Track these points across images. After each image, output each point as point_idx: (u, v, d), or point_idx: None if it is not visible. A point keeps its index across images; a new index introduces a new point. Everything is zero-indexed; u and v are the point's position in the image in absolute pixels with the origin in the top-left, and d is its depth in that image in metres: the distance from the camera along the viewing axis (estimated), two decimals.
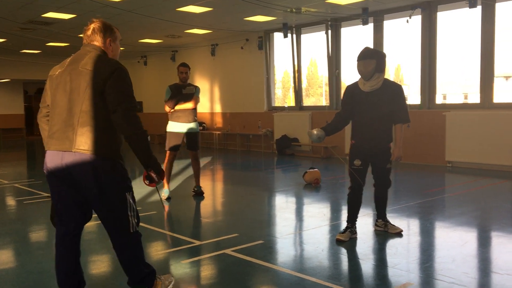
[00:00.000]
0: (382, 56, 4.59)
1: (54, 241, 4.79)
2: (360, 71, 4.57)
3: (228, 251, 4.31)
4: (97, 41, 2.92)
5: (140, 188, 7.46)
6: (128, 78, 2.81)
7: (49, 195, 6.93)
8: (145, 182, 2.96)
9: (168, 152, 6.83)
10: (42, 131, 3.03)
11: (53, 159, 2.76)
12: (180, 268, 3.93)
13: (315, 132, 4.68)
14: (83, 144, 2.69)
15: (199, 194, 7.08)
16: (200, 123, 15.60)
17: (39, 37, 13.75)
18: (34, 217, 5.93)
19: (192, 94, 6.84)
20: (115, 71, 2.74)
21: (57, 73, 2.88)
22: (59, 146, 2.74)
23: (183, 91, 6.80)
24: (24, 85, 21.74)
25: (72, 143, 2.70)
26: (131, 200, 2.88)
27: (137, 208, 3.01)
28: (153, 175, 2.88)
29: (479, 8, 9.44)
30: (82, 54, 2.87)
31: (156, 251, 4.46)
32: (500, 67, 10.49)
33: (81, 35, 12.13)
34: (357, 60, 4.58)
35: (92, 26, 2.95)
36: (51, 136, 2.80)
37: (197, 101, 6.88)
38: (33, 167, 12.14)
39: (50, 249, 4.59)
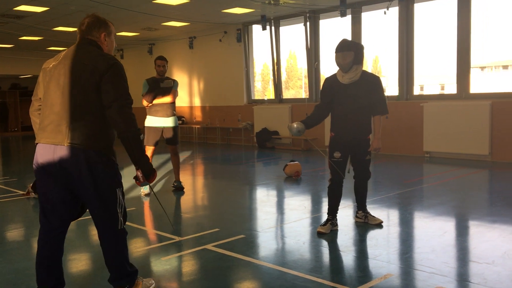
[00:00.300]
0: (360, 48, 4.58)
1: (29, 240, 4.70)
2: (338, 63, 4.56)
3: (209, 246, 4.27)
4: (92, 36, 2.91)
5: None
6: (124, 74, 2.81)
7: (23, 193, 6.80)
8: (134, 179, 2.94)
9: (147, 147, 6.73)
10: (34, 124, 2.99)
11: (45, 152, 2.73)
12: (161, 265, 3.88)
13: (295, 125, 4.66)
14: (76, 138, 2.68)
15: (179, 189, 7.01)
16: (179, 117, 15.47)
17: (12, 31, 13.39)
18: (9, 215, 5.78)
19: (170, 87, 6.74)
20: (112, 67, 2.74)
21: (51, 66, 2.85)
22: (51, 140, 2.71)
23: (161, 85, 6.70)
24: None
25: (65, 137, 2.68)
26: (120, 197, 2.87)
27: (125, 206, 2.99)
28: (140, 175, 2.86)
29: (455, 0, 9.53)
30: (78, 48, 2.85)
31: (135, 248, 4.39)
32: (476, 58, 10.62)
33: (55, 29, 11.89)
34: (335, 52, 4.56)
35: (86, 20, 2.94)
36: (43, 129, 2.76)
37: (175, 95, 6.79)
38: (8, 164, 11.86)
39: (25, 249, 4.48)
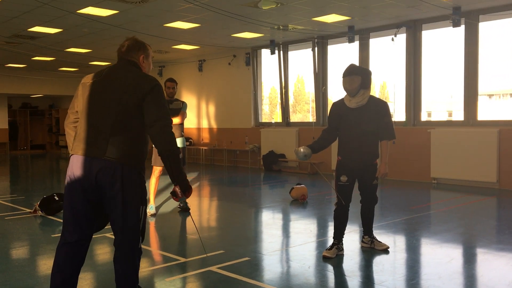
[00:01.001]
0: (368, 73, 4.63)
1: (34, 258, 4.71)
2: (345, 88, 4.60)
3: (213, 268, 4.25)
4: (132, 57, 3.04)
5: None
6: (164, 95, 2.94)
7: (30, 211, 6.83)
8: (172, 194, 3.04)
9: (154, 167, 6.77)
10: (68, 137, 3.09)
11: (80, 164, 2.81)
12: (165, 285, 3.86)
13: (301, 150, 4.67)
14: (114, 153, 2.77)
15: (185, 210, 7.02)
16: (187, 139, 15.55)
17: (25, 51, 13.65)
18: (16, 233, 5.80)
19: (179, 109, 6.82)
20: (154, 87, 2.86)
21: (91, 81, 2.96)
22: (88, 152, 2.80)
23: (170, 106, 6.78)
24: (8, 99, 21.48)
25: (103, 151, 2.77)
26: (143, 215, 2.94)
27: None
28: (178, 190, 2.97)
29: (462, 27, 9.62)
30: (119, 67, 2.99)
31: (140, 268, 4.36)
32: (483, 85, 10.68)
33: (67, 50, 12.09)
34: (343, 77, 4.61)
35: (126, 43, 3.08)
36: (80, 141, 2.85)
37: (184, 116, 6.86)
38: (16, 182, 11.93)
39: (31, 267, 4.49)
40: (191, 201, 7.76)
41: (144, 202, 2.94)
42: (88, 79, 3.00)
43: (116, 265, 2.95)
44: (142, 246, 4.98)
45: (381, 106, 4.66)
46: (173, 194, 3.01)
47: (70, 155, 2.92)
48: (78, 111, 2.99)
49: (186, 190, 2.98)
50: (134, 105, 2.82)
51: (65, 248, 2.90)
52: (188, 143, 15.22)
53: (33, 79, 18.43)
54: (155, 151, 6.74)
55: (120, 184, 2.78)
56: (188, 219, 6.69)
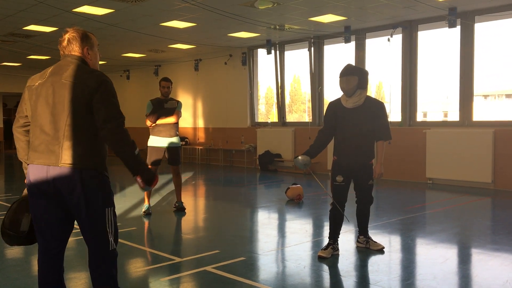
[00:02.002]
0: (364, 73, 4.63)
1: (30, 257, 4.69)
2: (342, 88, 4.60)
3: (209, 268, 4.25)
4: (74, 51, 2.84)
5: (120, 203, 7.35)
6: (114, 91, 2.77)
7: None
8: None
9: (149, 167, 6.74)
10: (17, 141, 2.94)
11: (38, 173, 2.70)
12: (160, 285, 3.85)
13: (300, 158, 4.64)
14: (69, 158, 2.65)
15: (180, 210, 7.00)
16: (183, 138, 15.52)
17: (20, 49, 13.59)
18: None
19: (174, 108, 6.80)
20: (102, 84, 2.69)
21: (36, 84, 2.79)
22: (43, 160, 2.68)
23: (165, 106, 6.76)
24: (3, 98, 21.40)
25: (58, 158, 2.65)
26: (111, 217, 2.81)
27: (117, 225, 2.94)
28: (139, 180, 2.84)
29: (458, 28, 9.65)
30: (63, 65, 2.79)
31: (135, 268, 4.37)
32: (479, 86, 10.70)
33: None
34: (340, 77, 4.61)
35: (66, 36, 2.86)
36: (34, 150, 2.73)
37: (178, 115, 6.84)
38: (11, 181, 11.88)
39: (26, 266, 4.47)
40: (187, 201, 7.75)
41: (110, 203, 2.80)
42: (33, 81, 2.83)
43: (90, 270, 2.85)
44: (138, 246, 5.00)
45: (377, 107, 4.67)
46: (139, 185, 2.90)
47: (28, 164, 2.77)
48: (27, 116, 2.82)
49: (149, 180, 2.84)
50: (83, 105, 2.66)
51: (43, 260, 2.84)
52: (183, 143, 15.20)
53: (28, 78, 18.21)
54: (149, 151, 6.74)
55: (80, 190, 2.65)
56: (184, 218, 6.68)
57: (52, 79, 2.74)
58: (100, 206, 2.74)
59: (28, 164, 2.78)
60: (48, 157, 2.67)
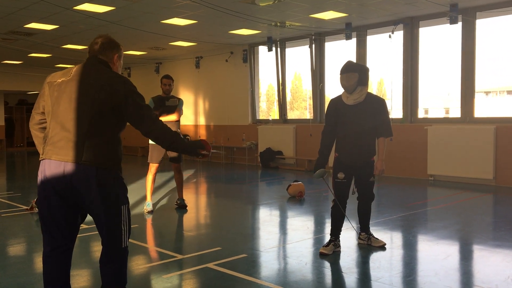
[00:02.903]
0: (365, 70, 4.63)
1: (32, 255, 4.70)
2: (343, 85, 4.60)
3: (210, 265, 4.25)
4: (104, 56, 2.94)
5: None
6: (138, 92, 2.90)
7: (27, 208, 6.81)
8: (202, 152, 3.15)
9: (150, 164, 6.76)
10: (35, 138, 2.97)
11: (54, 169, 2.72)
12: (162, 282, 3.86)
13: (318, 173, 4.61)
14: (89, 156, 2.70)
15: (182, 207, 7.01)
16: (184, 136, 15.51)
17: (21, 47, 13.59)
18: (12, 230, 5.78)
19: (175, 106, 6.80)
20: (130, 89, 2.82)
21: (59, 80, 2.82)
22: (62, 157, 2.70)
23: (166, 103, 6.76)
24: (5, 96, 21.41)
25: (78, 155, 2.69)
26: (126, 214, 2.86)
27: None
28: (203, 153, 3.12)
29: (459, 25, 9.63)
30: (90, 67, 2.85)
31: (137, 265, 4.38)
32: (480, 82, 10.69)
33: (64, 46, 11.98)
34: (340, 74, 4.60)
35: (100, 40, 2.95)
36: (53, 145, 2.74)
37: (180, 113, 6.85)
38: (13, 179, 11.91)
39: (28, 264, 4.48)
40: (188, 198, 7.75)
41: (125, 201, 2.86)
42: (55, 78, 2.86)
43: (102, 266, 2.88)
44: (140, 243, 5.01)
45: (378, 103, 4.66)
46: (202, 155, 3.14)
47: (41, 159, 2.80)
48: (44, 112, 2.86)
49: (200, 148, 3.12)
50: (109, 107, 2.74)
51: (50, 258, 2.85)
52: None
53: (29, 76, 18.36)
54: (151, 148, 6.74)
55: (97, 188, 2.70)
56: (185, 215, 6.69)
57: (79, 78, 2.79)
58: (116, 203, 2.79)
59: (42, 159, 2.79)
60: (67, 154, 2.70)
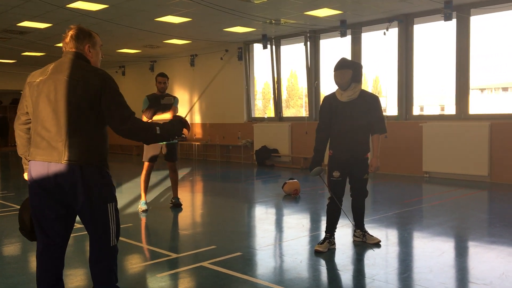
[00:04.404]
0: (359, 66, 4.62)
1: (25, 255, 4.67)
2: (336, 81, 4.59)
3: (205, 263, 4.24)
4: (76, 48, 2.86)
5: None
6: (118, 89, 2.81)
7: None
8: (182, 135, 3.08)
9: (145, 163, 6.73)
10: (18, 138, 2.96)
11: (39, 169, 2.71)
12: (156, 281, 3.84)
13: (315, 171, 4.62)
14: (72, 155, 2.66)
15: (176, 206, 6.99)
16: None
17: (14, 46, 13.50)
18: (5, 230, 5.74)
19: (170, 104, 6.77)
20: (106, 84, 2.72)
21: (38, 80, 2.79)
22: (45, 157, 2.68)
23: (161, 101, 6.73)
24: None
25: (61, 154, 2.66)
26: (113, 212, 2.82)
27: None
28: (184, 133, 3.03)
29: (454, 21, 9.63)
30: (65, 62, 2.80)
31: (131, 264, 4.36)
32: (475, 79, 10.70)
33: (57, 45, 11.91)
34: (334, 70, 4.60)
35: (70, 33, 2.89)
36: (36, 146, 2.73)
37: (175, 111, 6.81)
38: (6, 179, 11.84)
39: (21, 263, 4.45)
40: (184, 197, 7.73)
41: (112, 199, 2.82)
42: (34, 78, 2.82)
43: (91, 265, 2.86)
44: (134, 243, 4.99)
45: (372, 100, 4.66)
46: (181, 139, 3.09)
47: (28, 160, 2.80)
48: (28, 112, 2.84)
49: (180, 129, 3.00)
50: (86, 102, 2.69)
51: (42, 255, 2.83)
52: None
53: (23, 75, 18.20)
54: (145, 147, 6.71)
55: (81, 186, 2.67)
56: (180, 214, 6.67)
57: (55, 76, 2.74)
58: (102, 201, 2.76)
59: (29, 161, 2.79)
60: (50, 154, 2.68)
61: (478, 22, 9.93)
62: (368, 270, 4.11)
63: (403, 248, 4.84)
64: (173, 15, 10.15)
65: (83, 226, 2.87)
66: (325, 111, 4.73)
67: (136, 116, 2.84)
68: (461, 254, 4.71)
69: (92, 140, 2.74)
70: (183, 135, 3.04)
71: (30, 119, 2.85)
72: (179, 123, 3.00)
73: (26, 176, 3.05)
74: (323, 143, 4.73)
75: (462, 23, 9.64)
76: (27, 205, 2.93)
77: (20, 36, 12.14)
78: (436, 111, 33.63)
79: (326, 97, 4.80)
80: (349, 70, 4.51)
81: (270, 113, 15.36)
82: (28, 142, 2.89)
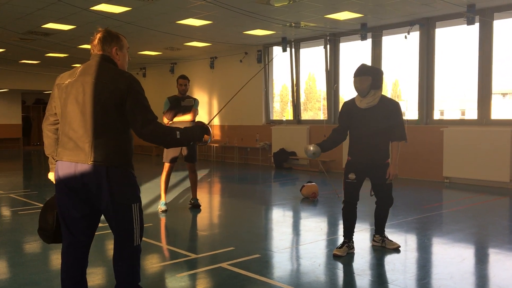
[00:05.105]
0: (379, 73, 4.60)
1: (48, 252, 4.77)
2: (356, 88, 4.58)
3: (224, 264, 4.27)
4: (104, 51, 2.92)
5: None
6: (143, 92, 2.86)
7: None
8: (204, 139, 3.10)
9: (165, 164, 6.80)
10: (46, 138, 3.03)
11: (66, 169, 2.77)
12: (176, 281, 3.89)
13: (310, 148, 4.68)
14: (98, 156, 2.72)
15: (195, 207, 7.04)
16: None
17: (39, 47, 13.78)
18: (29, 228, 5.86)
19: (190, 106, 6.84)
20: (132, 87, 2.78)
21: (66, 82, 2.86)
22: (73, 158, 2.75)
23: (182, 103, 6.80)
24: (22, 95, 21.74)
25: (88, 155, 2.72)
26: (137, 212, 2.87)
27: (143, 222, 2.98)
28: (205, 139, 3.07)
29: (477, 25, 9.52)
30: (93, 65, 2.86)
31: (151, 264, 4.41)
32: (497, 84, 10.56)
33: (80, 46, 12.09)
34: (353, 77, 4.59)
35: (98, 35, 2.94)
36: (63, 147, 2.81)
37: (195, 113, 6.88)
38: (29, 177, 12.07)
39: (44, 261, 4.55)
40: (202, 198, 7.79)
41: (136, 199, 2.87)
42: (62, 80, 2.90)
43: (115, 264, 2.90)
44: (154, 242, 5.05)
45: (392, 106, 4.63)
46: (203, 142, 3.11)
47: (56, 160, 2.87)
48: (57, 113, 2.90)
49: (201, 136, 3.04)
50: (113, 105, 2.74)
51: (67, 253, 2.90)
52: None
53: (46, 75, 18.61)
54: (165, 149, 6.78)
55: (107, 187, 2.73)
56: (199, 215, 6.72)
57: (83, 79, 2.81)
58: (126, 202, 2.81)
59: (56, 161, 2.86)
60: (77, 154, 2.74)
61: (502, 26, 9.78)
62: (388, 275, 4.09)
63: (423, 254, 4.80)
64: (194, 18, 10.24)
65: (105, 224, 2.93)
66: (343, 117, 4.75)
67: (159, 121, 2.88)
68: (482, 261, 4.65)
69: (118, 142, 2.79)
70: (204, 140, 3.06)
71: (58, 119, 2.92)
72: (200, 128, 3.04)
73: (50, 175, 3.13)
74: (334, 140, 4.79)
75: (485, 27, 9.52)
76: (51, 205, 3.00)
77: (44, 38, 12.38)
78: (457, 116, 33.17)
79: (345, 103, 4.80)
80: (369, 76, 4.50)
81: (288, 115, 15.36)
82: (56, 142, 2.96)
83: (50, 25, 10.87)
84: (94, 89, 2.77)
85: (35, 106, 23.06)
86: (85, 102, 2.77)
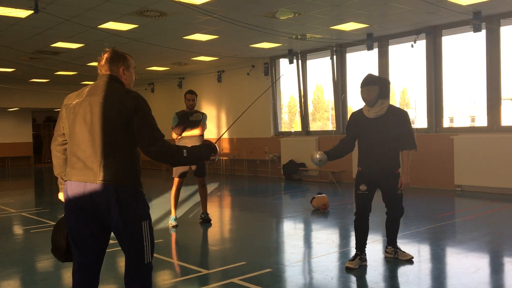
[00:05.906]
0: (385, 82, 4.60)
1: (60, 271, 4.77)
2: (363, 98, 4.58)
3: (236, 280, 4.25)
4: (111, 71, 2.95)
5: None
6: (150, 111, 2.89)
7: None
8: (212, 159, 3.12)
9: (175, 179, 6.82)
10: (54, 158, 3.05)
11: (75, 189, 2.79)
12: None
13: (317, 156, 4.66)
14: (107, 175, 2.74)
15: (206, 221, 7.03)
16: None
17: (48, 66, 13.96)
18: (41, 246, 5.89)
19: (199, 120, 6.87)
20: (140, 106, 2.81)
21: (74, 102, 2.89)
22: (81, 177, 2.77)
23: (190, 118, 6.83)
24: (32, 114, 21.99)
25: (97, 175, 2.74)
26: (147, 230, 2.87)
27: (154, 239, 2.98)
28: (212, 158, 3.09)
29: (483, 32, 9.49)
30: (100, 85, 2.89)
31: (163, 280, 4.40)
32: (506, 90, 10.46)
33: (89, 64, 12.21)
34: (360, 87, 4.59)
35: (105, 56, 2.98)
36: (72, 167, 2.83)
37: (204, 127, 6.90)
38: (41, 195, 12.15)
39: (56, 279, 4.55)
40: (212, 212, 7.78)
41: (146, 217, 2.86)
42: (70, 100, 2.93)
43: (126, 283, 2.89)
44: (165, 258, 5.04)
45: (400, 115, 4.62)
46: (210, 161, 3.13)
47: (64, 180, 2.90)
48: (65, 134, 2.93)
49: (209, 155, 3.07)
50: (120, 124, 2.77)
51: (78, 272, 2.89)
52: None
53: (56, 94, 18.82)
54: None
55: (116, 205, 2.73)
56: (210, 229, 6.71)
57: (90, 99, 2.84)
58: (136, 220, 2.81)
59: (65, 181, 2.87)
60: (85, 174, 2.76)
61: (508, 32, 9.73)
62: (401, 287, 4.04)
63: (437, 265, 4.74)
64: (201, 33, 10.33)
65: (115, 242, 2.93)
66: (351, 127, 4.74)
67: (165, 139, 2.89)
68: (497, 270, 4.58)
69: (126, 160, 2.81)
70: (212, 159, 3.08)
71: (66, 140, 2.94)
72: (207, 147, 3.07)
73: (60, 195, 3.14)
74: (341, 149, 4.77)
75: (492, 34, 9.49)
76: (61, 226, 3.01)
77: (53, 56, 12.55)
78: (466, 123, 32.96)
79: (353, 114, 4.79)
80: (376, 86, 4.50)
81: (297, 126, 15.36)
82: (64, 162, 2.98)
83: (59, 44, 11.02)
84: (102, 108, 2.79)
85: (45, 124, 23.30)
86: (93, 122, 2.79)
